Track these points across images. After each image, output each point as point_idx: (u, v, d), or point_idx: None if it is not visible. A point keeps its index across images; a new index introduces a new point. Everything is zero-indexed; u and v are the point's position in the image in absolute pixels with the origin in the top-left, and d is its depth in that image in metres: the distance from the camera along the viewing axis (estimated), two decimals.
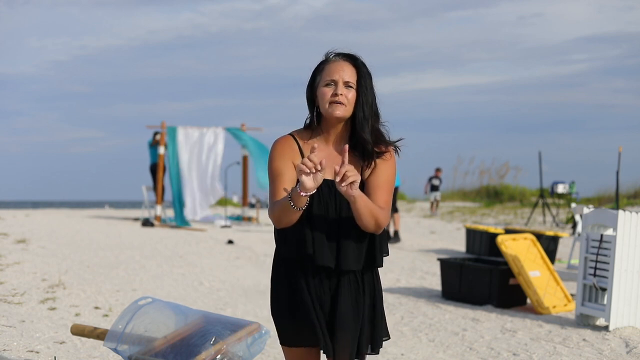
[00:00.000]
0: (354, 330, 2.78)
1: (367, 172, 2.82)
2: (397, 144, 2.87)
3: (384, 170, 2.82)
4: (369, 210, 2.68)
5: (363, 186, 2.79)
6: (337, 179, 2.58)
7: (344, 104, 2.75)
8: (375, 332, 2.85)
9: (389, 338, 2.94)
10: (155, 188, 17.65)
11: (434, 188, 23.12)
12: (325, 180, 2.75)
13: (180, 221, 16.70)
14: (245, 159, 18.90)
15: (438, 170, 23.78)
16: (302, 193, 2.60)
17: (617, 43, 59.74)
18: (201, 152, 17.59)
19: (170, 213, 18.44)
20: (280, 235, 2.81)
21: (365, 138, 2.76)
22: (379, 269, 2.93)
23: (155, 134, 17.64)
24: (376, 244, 2.81)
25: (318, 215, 2.74)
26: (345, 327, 2.77)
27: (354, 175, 2.58)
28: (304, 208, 2.66)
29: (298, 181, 2.63)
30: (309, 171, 2.56)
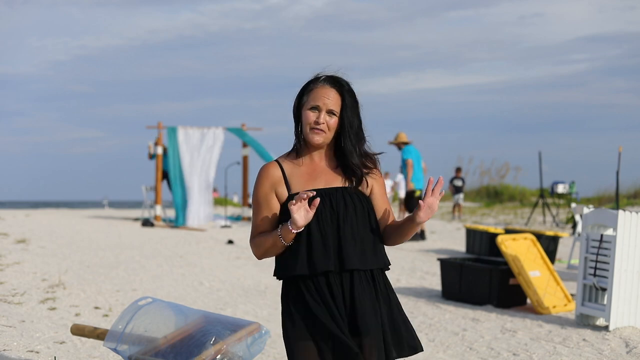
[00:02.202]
0: (378, 333, 2.76)
1: (364, 184, 2.89)
2: (378, 158, 2.97)
3: (381, 189, 2.94)
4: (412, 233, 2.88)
5: (363, 193, 2.87)
6: (425, 210, 2.77)
7: (324, 131, 2.82)
8: (399, 336, 2.82)
9: (421, 350, 2.89)
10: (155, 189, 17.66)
11: (457, 190, 21.00)
12: (317, 190, 2.80)
13: (181, 221, 16.71)
14: (245, 159, 18.92)
15: (458, 170, 21.85)
16: (292, 230, 2.72)
17: (617, 43, 59.78)
18: (200, 154, 17.61)
19: (170, 213, 18.43)
20: (283, 256, 2.81)
21: (355, 163, 2.85)
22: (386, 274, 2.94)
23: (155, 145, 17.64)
24: (377, 244, 2.85)
25: (316, 226, 2.76)
26: (370, 332, 2.75)
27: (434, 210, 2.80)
28: (290, 243, 2.76)
29: (285, 212, 2.78)
30: (300, 204, 2.67)
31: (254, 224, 2.88)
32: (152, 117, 64.91)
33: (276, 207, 2.85)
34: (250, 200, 20.63)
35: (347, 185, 2.85)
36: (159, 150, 17.85)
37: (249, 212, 19.41)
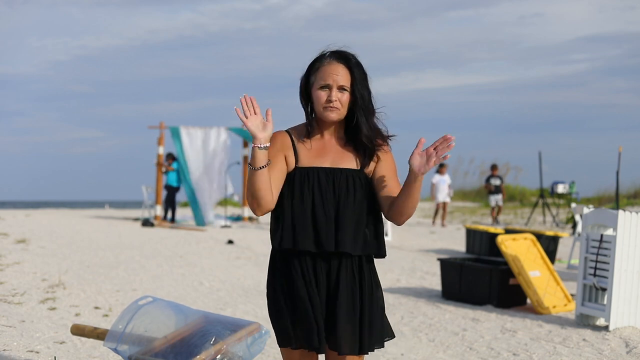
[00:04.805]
0: (355, 321, 2.79)
1: (371, 166, 2.86)
2: (391, 138, 2.93)
3: (389, 162, 2.89)
4: (417, 198, 2.78)
5: (367, 177, 2.85)
6: (429, 157, 2.68)
7: (338, 108, 2.81)
8: (373, 327, 2.83)
9: (393, 337, 2.92)
10: (170, 206, 17.66)
11: (496, 190, 18.47)
12: (322, 168, 2.81)
13: (200, 221, 16.79)
14: (245, 159, 18.91)
15: (494, 167, 19.10)
16: (256, 145, 2.69)
17: (617, 43, 59.69)
18: (207, 153, 17.64)
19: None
20: (277, 225, 2.82)
21: (366, 136, 2.82)
22: (377, 270, 2.94)
23: (170, 155, 17.65)
24: (376, 232, 2.84)
25: (316, 202, 2.77)
26: (346, 319, 2.77)
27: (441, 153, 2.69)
28: (263, 167, 2.71)
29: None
30: (246, 110, 2.67)
31: None
32: (152, 117, 64.95)
33: (279, 167, 2.81)
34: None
35: (354, 165, 2.84)
36: (160, 150, 17.88)
37: (249, 212, 19.40)
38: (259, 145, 2.70)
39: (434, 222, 18.23)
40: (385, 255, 2.90)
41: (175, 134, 17.46)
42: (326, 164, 2.82)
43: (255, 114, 2.71)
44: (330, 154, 2.84)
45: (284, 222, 2.78)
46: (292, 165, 2.82)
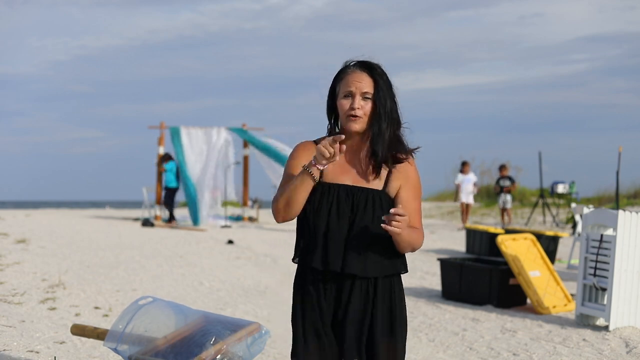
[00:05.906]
0: (358, 346, 2.75)
1: (396, 184, 2.79)
2: (416, 151, 2.86)
3: (413, 184, 2.81)
4: (407, 242, 2.72)
5: (388, 197, 2.78)
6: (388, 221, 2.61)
7: (361, 117, 2.73)
8: (397, 344, 2.77)
9: None
10: (167, 206, 17.62)
11: (503, 190, 17.33)
12: (343, 186, 2.75)
13: (195, 221, 16.78)
14: (245, 158, 18.93)
15: (503, 168, 17.79)
16: (317, 165, 2.65)
17: (618, 43, 59.79)
18: (207, 153, 17.63)
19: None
20: (297, 239, 2.81)
21: (379, 152, 2.75)
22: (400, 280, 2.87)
23: (165, 156, 17.60)
24: (388, 252, 2.76)
25: (331, 220, 2.73)
26: (349, 343, 2.74)
27: (402, 224, 2.61)
28: (316, 179, 2.69)
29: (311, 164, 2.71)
30: (328, 154, 2.61)
31: (280, 185, 2.81)
32: (152, 117, 65.04)
33: None
34: (249, 202, 20.65)
35: (376, 184, 2.76)
36: (160, 150, 17.90)
37: (249, 212, 19.41)
38: (320, 167, 2.66)
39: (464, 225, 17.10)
40: (402, 271, 2.83)
41: (176, 134, 17.47)
42: (348, 181, 2.76)
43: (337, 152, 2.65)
44: (353, 170, 2.77)
45: (301, 237, 2.78)
46: (317, 178, 2.74)
